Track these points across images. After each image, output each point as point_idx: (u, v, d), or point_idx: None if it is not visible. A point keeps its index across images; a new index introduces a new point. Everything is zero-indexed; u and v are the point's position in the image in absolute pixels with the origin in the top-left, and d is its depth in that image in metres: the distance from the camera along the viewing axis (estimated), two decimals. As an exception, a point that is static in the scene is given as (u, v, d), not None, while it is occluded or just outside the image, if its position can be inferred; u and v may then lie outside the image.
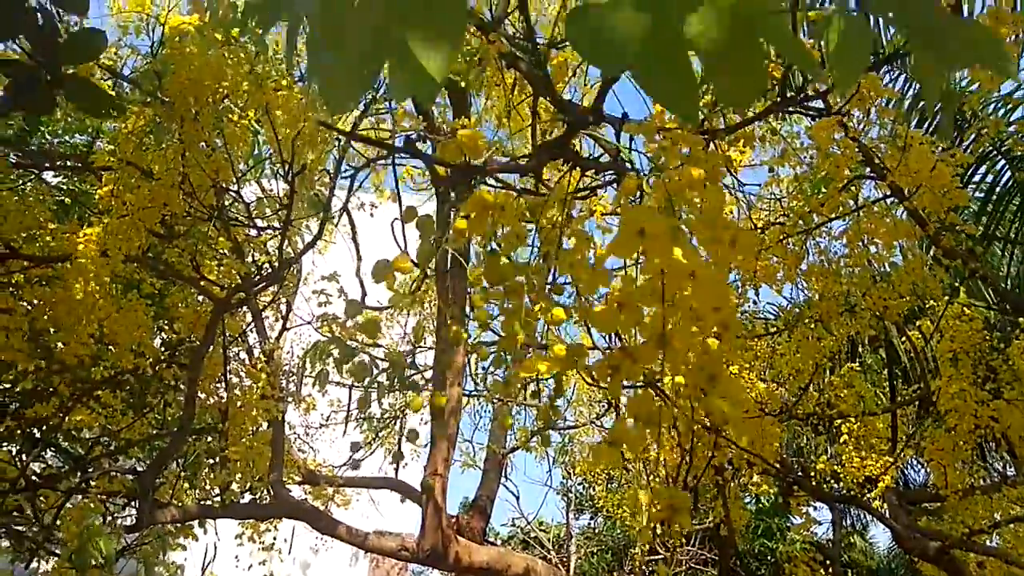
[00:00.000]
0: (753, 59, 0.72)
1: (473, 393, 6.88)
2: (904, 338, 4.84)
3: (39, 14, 2.25)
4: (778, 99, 2.10)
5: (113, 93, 4.66)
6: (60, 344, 3.93)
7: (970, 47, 0.83)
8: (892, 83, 3.83)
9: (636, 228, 0.86)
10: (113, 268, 3.66)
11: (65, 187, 5.58)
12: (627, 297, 0.98)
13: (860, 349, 5.71)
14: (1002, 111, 4.45)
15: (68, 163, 5.30)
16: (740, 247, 0.93)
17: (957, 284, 4.02)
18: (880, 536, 14.40)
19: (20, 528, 4.80)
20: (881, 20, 2.89)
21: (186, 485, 5.41)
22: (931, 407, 4.39)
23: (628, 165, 1.68)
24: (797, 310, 4.37)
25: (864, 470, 4.82)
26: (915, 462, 8.05)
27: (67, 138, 5.65)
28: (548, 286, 1.31)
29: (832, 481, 5.61)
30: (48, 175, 5.57)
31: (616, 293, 0.93)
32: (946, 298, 4.00)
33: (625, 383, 1.01)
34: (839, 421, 4.79)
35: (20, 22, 2.26)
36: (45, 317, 3.98)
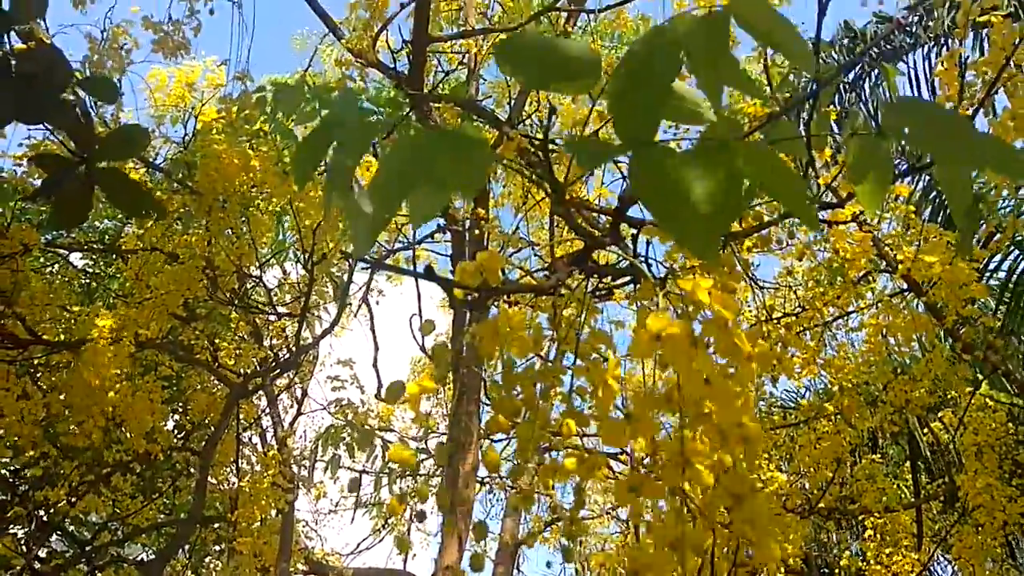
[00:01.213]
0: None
1: (486, 480, 6.77)
2: (927, 430, 4.75)
3: (76, 108, 2.29)
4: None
5: (146, 181, 4.82)
6: (73, 427, 3.94)
7: (987, 158, 0.85)
8: (904, 176, 3.89)
9: (653, 333, 0.87)
10: (128, 353, 3.70)
11: (91, 269, 5.70)
12: (640, 409, 0.98)
13: (881, 441, 5.59)
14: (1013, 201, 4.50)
15: (96, 246, 5.43)
16: (759, 360, 0.94)
17: (980, 376, 3.97)
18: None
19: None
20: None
21: (191, 574, 5.30)
22: (956, 502, 4.26)
23: (644, 268, 1.70)
24: (817, 401, 4.32)
25: (892, 567, 4.65)
26: (942, 558, 7.75)
27: (96, 223, 5.80)
28: (566, 390, 1.32)
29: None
30: (74, 256, 5.71)
31: (628, 404, 0.93)
32: (969, 390, 3.95)
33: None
34: (862, 516, 4.66)
35: (57, 113, 2.28)
36: (60, 401, 4.00)
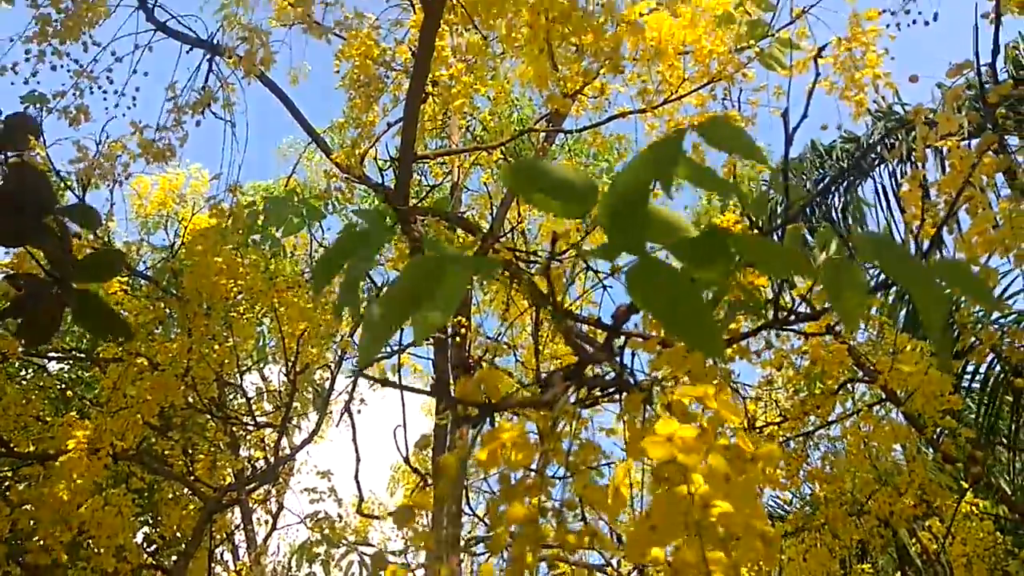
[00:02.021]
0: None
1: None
2: (915, 540, 4.69)
3: (58, 231, 2.32)
4: (770, 318, 2.21)
5: (127, 288, 4.83)
6: (38, 543, 3.78)
7: (956, 283, 0.91)
8: (877, 290, 4.01)
9: (664, 436, 0.90)
10: (103, 466, 3.60)
11: (66, 376, 5.62)
12: (662, 518, 0.97)
13: (871, 551, 5.49)
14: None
15: (74, 353, 5.37)
16: (763, 461, 0.96)
17: (963, 485, 3.97)
18: None
19: None
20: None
21: None
22: (951, 617, 4.16)
23: (631, 380, 1.73)
24: (805, 511, 4.27)
25: None
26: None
27: (74, 328, 5.76)
28: (559, 503, 1.32)
29: None
30: (50, 363, 5.63)
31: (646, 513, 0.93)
32: (954, 499, 3.93)
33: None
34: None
35: (36, 237, 2.30)
36: (28, 515, 3.85)
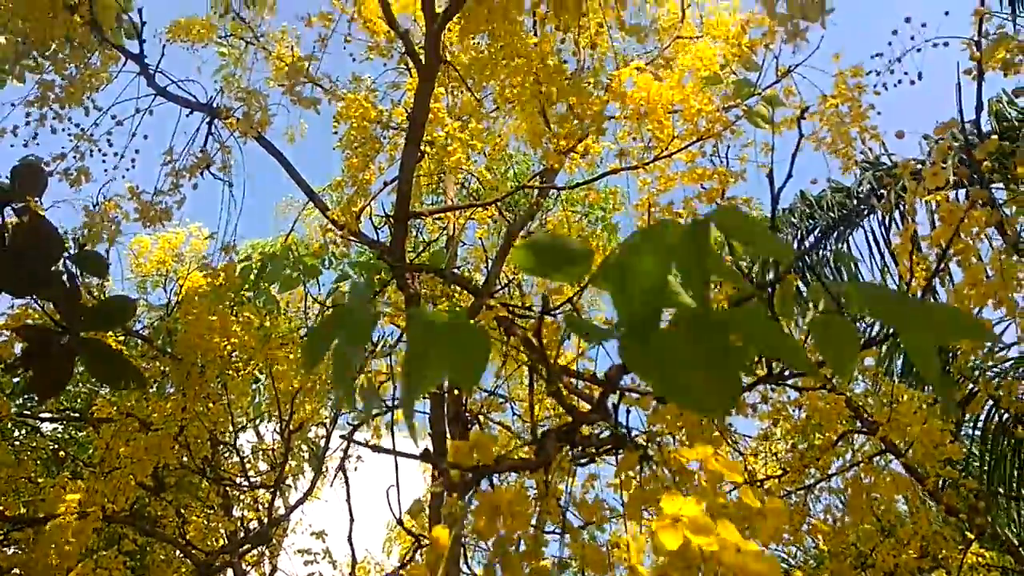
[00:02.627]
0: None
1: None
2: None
3: (65, 277, 2.33)
4: (765, 373, 2.22)
5: (122, 348, 4.82)
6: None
7: (950, 328, 0.91)
8: (871, 345, 4.03)
9: (671, 516, 0.89)
10: (93, 529, 3.55)
11: (60, 436, 5.56)
12: None
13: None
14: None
15: (69, 413, 5.33)
16: (771, 517, 0.96)
17: (970, 536, 3.91)
18: None
19: None
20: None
21: None
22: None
23: (628, 438, 1.73)
24: (811, 565, 4.20)
25: None
26: None
27: (68, 387, 5.73)
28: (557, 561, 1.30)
29: None
30: (45, 426, 5.58)
31: None
32: (959, 550, 3.87)
33: None
34: None
35: (46, 286, 2.31)
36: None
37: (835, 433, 3.19)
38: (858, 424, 3.32)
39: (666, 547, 0.91)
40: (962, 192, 2.76)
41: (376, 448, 1.15)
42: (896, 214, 5.48)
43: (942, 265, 2.23)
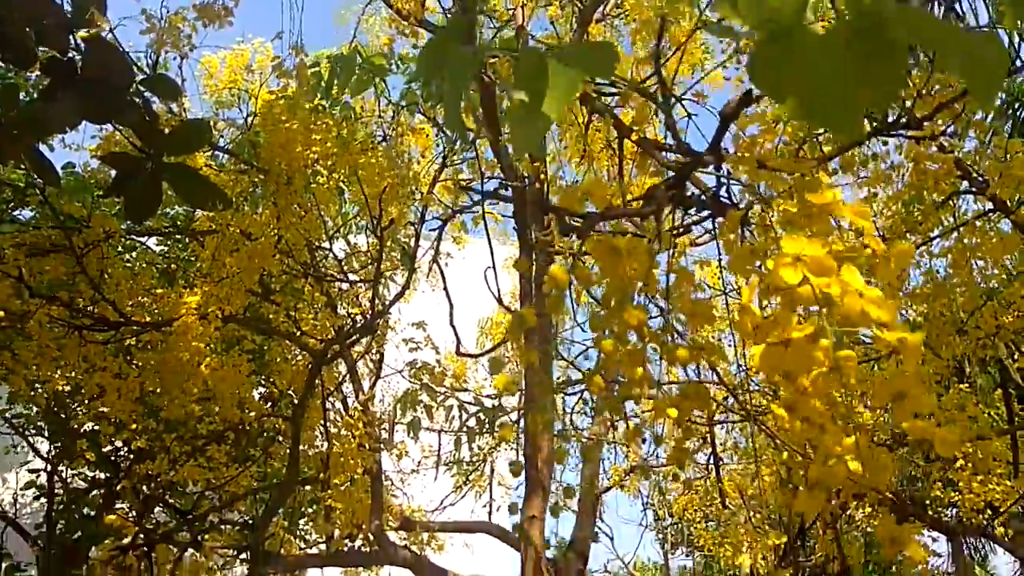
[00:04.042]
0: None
1: (562, 434, 6.84)
2: (1017, 355, 4.58)
3: (142, 105, 2.34)
4: (876, 124, 2.08)
5: (211, 164, 4.95)
6: (168, 402, 4.15)
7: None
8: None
9: (793, 256, 0.87)
10: (215, 328, 3.86)
11: (169, 255, 5.92)
12: (805, 338, 0.95)
13: (968, 370, 5.42)
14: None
15: (170, 231, 5.62)
16: (896, 258, 0.93)
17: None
18: (1001, 567, 13.44)
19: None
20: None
21: (288, 536, 5.55)
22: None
23: (728, 200, 1.68)
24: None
25: (985, 496, 4.54)
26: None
27: (167, 210, 6.00)
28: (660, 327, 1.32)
29: (949, 510, 5.31)
30: (152, 242, 5.93)
31: (795, 329, 0.91)
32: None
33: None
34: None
35: (124, 111, 2.33)
36: (155, 378, 4.21)
37: (942, 195, 3.03)
38: (965, 186, 3.14)
39: (785, 281, 0.89)
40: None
41: (485, 196, 1.15)
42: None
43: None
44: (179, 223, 5.79)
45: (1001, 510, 4.79)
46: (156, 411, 4.35)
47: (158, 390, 4.26)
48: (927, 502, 5.11)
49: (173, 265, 5.55)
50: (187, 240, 5.64)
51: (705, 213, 2.08)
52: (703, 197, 1.82)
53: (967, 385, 5.07)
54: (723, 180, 1.77)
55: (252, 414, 4.30)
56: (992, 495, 4.58)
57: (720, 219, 1.75)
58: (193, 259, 5.64)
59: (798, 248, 0.89)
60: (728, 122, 1.30)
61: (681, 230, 2.17)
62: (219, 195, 2.59)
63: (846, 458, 0.88)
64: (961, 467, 4.52)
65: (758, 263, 1.29)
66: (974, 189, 3.07)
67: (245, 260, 4.13)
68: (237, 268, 4.10)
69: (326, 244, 4.78)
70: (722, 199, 1.86)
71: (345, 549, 4.21)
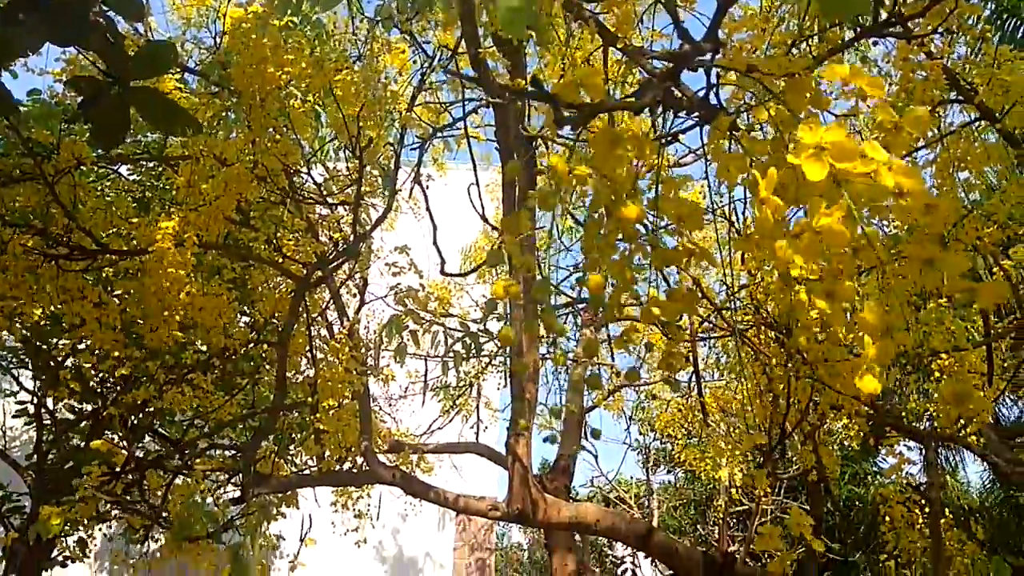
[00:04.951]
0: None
1: (547, 356, 6.93)
2: (997, 268, 4.63)
3: (106, 26, 2.22)
4: (862, 25, 2.01)
5: (182, 87, 4.78)
6: (151, 330, 4.11)
7: None
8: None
9: (814, 144, 0.85)
10: (192, 253, 3.79)
11: (143, 183, 5.78)
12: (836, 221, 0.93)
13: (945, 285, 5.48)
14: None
15: (143, 157, 5.48)
16: (909, 125, 0.91)
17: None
18: (972, 476, 14.00)
19: (131, 510, 5.08)
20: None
21: (279, 460, 5.62)
22: (1029, 338, 4.20)
23: (718, 105, 1.64)
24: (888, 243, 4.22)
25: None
26: (1011, 400, 7.76)
27: (139, 137, 5.83)
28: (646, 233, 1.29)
29: (924, 421, 5.46)
30: (124, 171, 5.78)
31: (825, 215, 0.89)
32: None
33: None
34: (930, 358, 4.64)
35: (86, 33, 2.21)
36: (135, 306, 4.16)
37: (931, 103, 2.99)
38: (953, 93, 3.10)
39: (811, 178, 0.86)
40: None
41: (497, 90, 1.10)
42: None
43: None
44: (152, 150, 5.64)
45: (974, 420, 4.92)
46: (139, 340, 4.33)
47: (139, 319, 4.22)
48: (903, 414, 5.24)
49: (148, 193, 5.43)
50: (161, 168, 5.50)
51: (692, 123, 2.04)
52: (692, 100, 1.77)
53: (946, 299, 5.14)
54: (713, 83, 1.73)
55: (237, 341, 4.28)
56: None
57: (708, 126, 1.71)
58: (168, 187, 5.52)
59: (817, 137, 0.86)
60: (726, 6, 1.25)
61: (669, 139, 2.14)
62: (188, 120, 2.50)
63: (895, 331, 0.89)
64: (938, 379, 4.62)
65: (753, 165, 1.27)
66: (961, 98, 3.03)
67: (221, 186, 4.03)
68: (213, 195, 4.01)
69: (304, 169, 4.67)
70: (711, 104, 1.82)
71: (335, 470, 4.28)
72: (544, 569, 20.33)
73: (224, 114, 4.72)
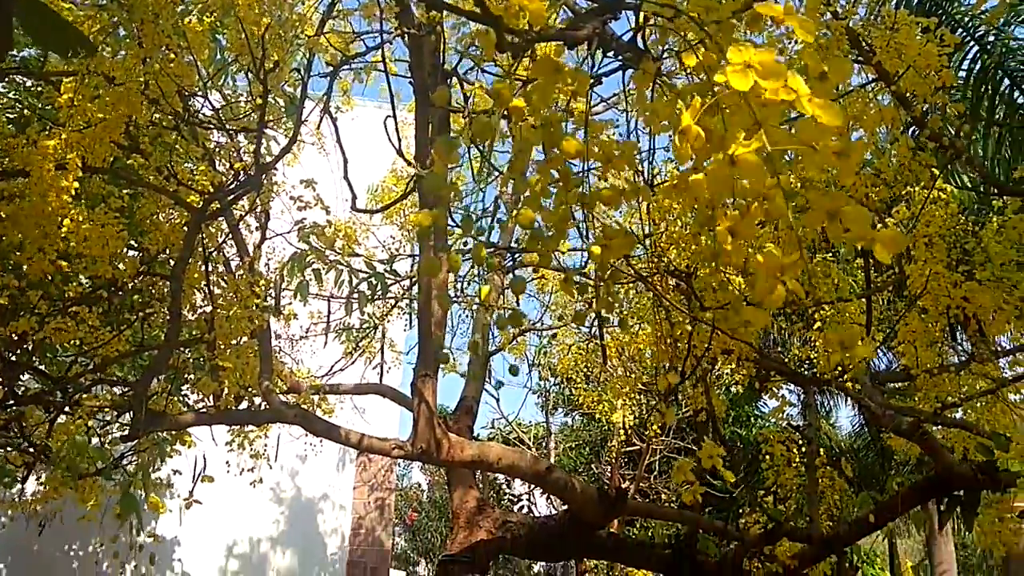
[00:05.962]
0: None
1: (454, 301, 6.92)
2: (880, 225, 4.93)
3: None
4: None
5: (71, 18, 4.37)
6: (28, 260, 3.83)
7: None
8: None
9: (742, 63, 0.85)
10: (74, 179, 3.53)
11: (21, 99, 5.31)
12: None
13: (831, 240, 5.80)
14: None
15: (20, 71, 5.03)
16: (834, 73, 0.93)
17: (938, 171, 4.07)
18: (843, 421, 15.15)
19: (11, 446, 4.81)
20: None
21: (172, 399, 5.42)
22: (905, 291, 4.52)
23: (644, 49, 1.64)
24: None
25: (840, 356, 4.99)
26: (881, 350, 8.36)
27: (16, 53, 5.33)
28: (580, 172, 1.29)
29: (806, 368, 5.82)
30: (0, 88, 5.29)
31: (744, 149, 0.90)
32: (926, 183, 4.05)
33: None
34: (813, 309, 4.92)
35: None
36: (13, 232, 3.86)
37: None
38: (854, 54, 3.22)
39: (735, 87, 0.87)
40: None
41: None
42: None
43: None
44: (30, 65, 5.17)
45: (851, 367, 5.28)
46: (17, 269, 4.03)
47: (16, 246, 3.92)
48: (786, 360, 5.56)
49: (27, 112, 5.00)
50: (39, 86, 5.06)
51: (616, 66, 2.04)
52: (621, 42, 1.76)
53: (831, 253, 5.45)
54: (640, 26, 1.72)
55: (126, 272, 4.05)
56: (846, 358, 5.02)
57: (634, 70, 1.71)
58: (50, 106, 5.09)
59: (746, 56, 0.87)
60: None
61: (595, 80, 2.13)
62: (79, 38, 2.29)
63: (786, 277, 0.92)
64: (820, 328, 4.91)
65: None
66: (861, 59, 3.16)
67: (108, 107, 3.76)
68: (100, 115, 3.73)
69: (200, 93, 4.40)
70: (638, 47, 1.82)
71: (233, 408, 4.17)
72: (443, 508, 20.75)
73: (112, 30, 4.36)
